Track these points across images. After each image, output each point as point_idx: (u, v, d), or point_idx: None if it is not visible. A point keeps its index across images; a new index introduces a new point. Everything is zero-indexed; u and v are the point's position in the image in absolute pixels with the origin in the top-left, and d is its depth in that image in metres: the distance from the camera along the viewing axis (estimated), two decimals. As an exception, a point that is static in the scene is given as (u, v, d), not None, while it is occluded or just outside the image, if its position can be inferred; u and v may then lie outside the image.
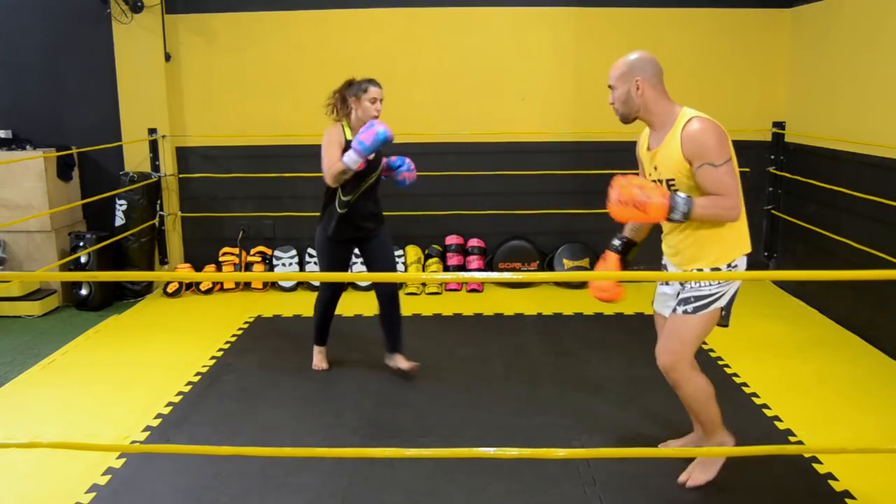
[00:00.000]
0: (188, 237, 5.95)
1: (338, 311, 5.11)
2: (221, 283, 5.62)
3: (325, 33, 5.63)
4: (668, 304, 2.86)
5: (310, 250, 5.81)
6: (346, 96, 3.56)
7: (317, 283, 5.60)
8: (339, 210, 3.63)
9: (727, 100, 5.56)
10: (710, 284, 2.58)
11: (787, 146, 5.57)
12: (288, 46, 5.64)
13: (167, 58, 5.59)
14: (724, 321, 2.68)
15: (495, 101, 5.69)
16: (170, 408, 3.59)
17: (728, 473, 2.92)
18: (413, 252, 5.73)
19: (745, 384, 3.78)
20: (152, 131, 5.66)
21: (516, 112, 5.69)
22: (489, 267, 5.65)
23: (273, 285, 5.69)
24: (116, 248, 5.50)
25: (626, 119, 2.75)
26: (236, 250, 5.80)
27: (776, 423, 3.36)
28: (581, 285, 5.60)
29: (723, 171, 2.48)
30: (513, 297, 5.31)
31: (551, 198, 5.80)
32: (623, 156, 5.94)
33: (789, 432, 3.28)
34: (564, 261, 5.70)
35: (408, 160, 3.87)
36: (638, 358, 4.17)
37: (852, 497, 2.76)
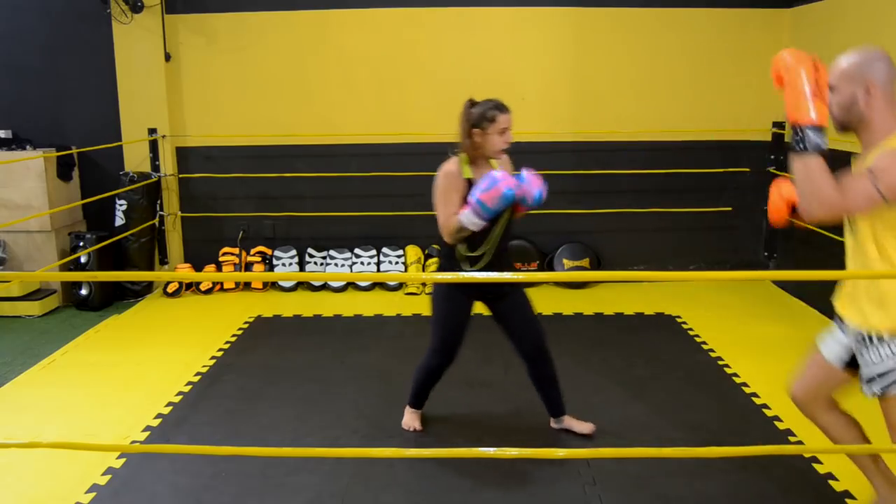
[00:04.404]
0: (188, 237, 5.95)
1: (337, 311, 5.15)
2: (221, 283, 5.62)
3: (325, 33, 5.63)
4: (835, 351, 2.37)
5: (310, 250, 5.81)
6: (467, 129, 2.88)
7: (317, 283, 5.61)
8: (466, 268, 2.96)
9: (727, 100, 5.56)
10: (890, 356, 2.10)
11: (788, 146, 5.56)
12: (288, 46, 5.64)
13: (167, 58, 5.60)
14: None
15: (495, 101, 5.68)
16: (170, 408, 3.59)
17: (728, 474, 2.92)
18: (413, 252, 5.73)
19: (745, 384, 3.78)
20: (152, 131, 5.66)
21: (516, 112, 5.65)
22: (489, 267, 5.65)
23: (273, 285, 5.69)
24: (116, 248, 5.50)
25: (844, 129, 2.23)
26: (236, 250, 5.80)
27: (776, 423, 3.36)
28: (581, 285, 5.61)
29: (865, 185, 2.01)
30: (513, 297, 5.31)
31: (551, 198, 5.76)
32: (623, 155, 5.98)
33: (789, 432, 3.27)
34: (564, 261, 5.70)
35: (524, 172, 2.91)
36: (638, 358, 4.18)
37: (852, 497, 2.76)
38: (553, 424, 3.29)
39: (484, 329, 4.76)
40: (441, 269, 3.14)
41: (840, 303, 2.31)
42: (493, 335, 4.61)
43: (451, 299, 3.02)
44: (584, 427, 3.23)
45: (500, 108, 2.88)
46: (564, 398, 3.24)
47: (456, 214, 2.80)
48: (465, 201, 2.82)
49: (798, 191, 2.10)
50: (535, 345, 3.11)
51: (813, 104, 2.07)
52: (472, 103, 2.90)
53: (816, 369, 2.45)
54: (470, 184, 2.85)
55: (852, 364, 2.30)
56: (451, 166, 2.89)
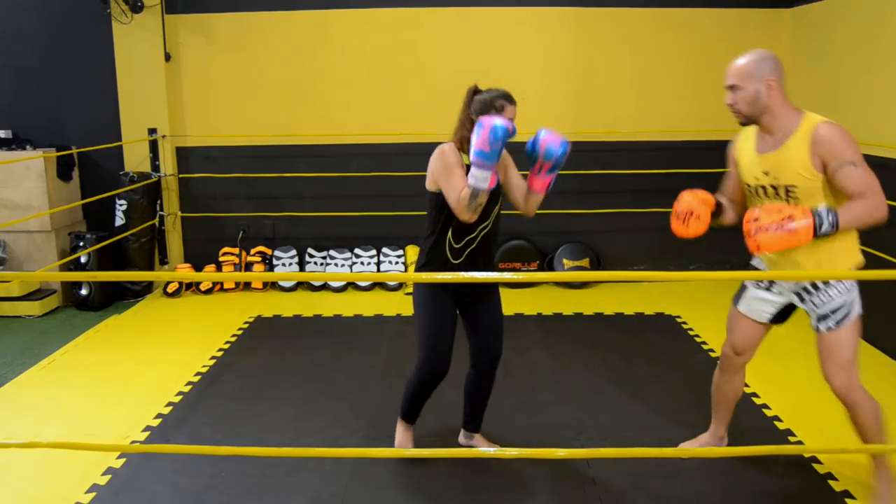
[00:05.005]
0: (188, 237, 5.95)
1: (337, 311, 5.15)
2: (221, 283, 5.62)
3: (325, 33, 5.63)
4: (762, 309, 2.75)
5: (310, 250, 5.81)
6: (472, 117, 2.70)
7: (317, 283, 5.62)
8: (452, 261, 2.78)
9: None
10: (840, 294, 2.53)
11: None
12: (288, 46, 5.64)
13: (167, 58, 5.60)
14: None
15: (495, 101, 5.68)
16: (170, 408, 3.59)
17: (728, 474, 2.92)
18: (413, 252, 5.73)
19: (745, 384, 3.78)
20: (152, 131, 5.66)
21: (516, 112, 5.69)
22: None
23: (273, 285, 5.69)
24: (116, 248, 5.50)
25: (750, 121, 2.55)
26: (236, 250, 5.81)
27: (776, 423, 3.36)
28: (581, 285, 5.61)
29: (865, 170, 2.38)
30: (513, 297, 5.31)
31: (551, 198, 5.76)
32: (622, 155, 5.98)
33: (789, 432, 3.28)
34: (564, 261, 5.70)
35: (542, 130, 2.71)
36: (638, 358, 4.18)
37: (852, 497, 2.76)
38: (463, 439, 3.14)
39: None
40: (421, 269, 2.87)
41: (777, 267, 2.64)
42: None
43: (434, 298, 2.80)
44: (491, 447, 3.11)
45: (509, 97, 2.71)
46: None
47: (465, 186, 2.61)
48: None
49: (863, 223, 2.43)
50: (493, 357, 2.93)
51: (803, 222, 2.36)
52: (476, 90, 2.75)
53: (746, 328, 2.80)
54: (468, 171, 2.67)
55: (776, 320, 2.74)
56: (445, 147, 2.74)
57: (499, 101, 2.67)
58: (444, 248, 2.76)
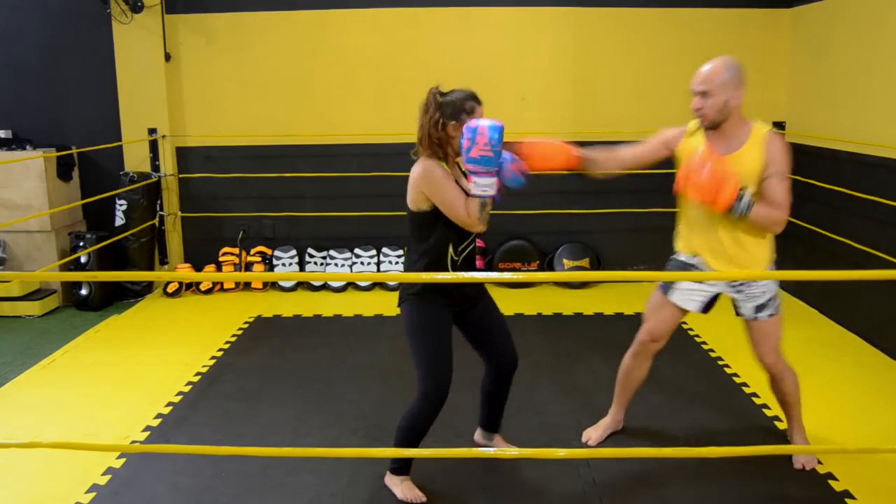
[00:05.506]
0: (188, 237, 5.95)
1: (336, 311, 5.15)
2: (221, 283, 5.62)
3: (325, 33, 5.63)
4: (693, 299, 2.91)
5: (310, 250, 5.81)
6: (440, 123, 2.55)
7: (317, 283, 5.62)
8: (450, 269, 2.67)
9: (727, 100, 5.56)
10: (770, 286, 2.80)
11: (787, 146, 5.56)
12: (288, 46, 5.64)
13: (167, 58, 5.60)
14: None
15: (495, 100, 5.61)
16: (170, 408, 3.59)
17: (728, 474, 2.92)
18: (413, 252, 5.73)
19: (745, 384, 3.78)
20: (152, 131, 5.66)
21: (516, 112, 5.69)
22: (489, 267, 5.66)
23: (273, 285, 5.69)
24: (116, 248, 5.49)
25: (713, 126, 2.70)
26: (236, 250, 5.81)
27: (776, 423, 3.36)
28: (581, 285, 5.61)
29: (789, 186, 2.64)
30: (513, 297, 5.31)
31: (551, 198, 5.80)
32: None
33: (789, 432, 3.28)
34: (564, 261, 5.70)
35: (505, 153, 2.57)
36: (638, 358, 4.17)
37: (852, 497, 2.76)
38: (481, 438, 3.10)
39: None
40: (410, 292, 2.69)
41: (716, 263, 2.79)
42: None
43: (435, 322, 2.65)
44: (509, 448, 3.08)
45: (477, 98, 2.59)
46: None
47: (468, 199, 2.51)
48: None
49: (761, 225, 2.67)
50: (511, 363, 2.86)
51: (730, 191, 2.55)
52: (440, 93, 2.58)
53: (668, 316, 2.97)
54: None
55: (704, 309, 2.94)
56: (428, 164, 2.56)
57: (468, 104, 2.56)
58: (445, 263, 2.63)
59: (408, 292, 2.69)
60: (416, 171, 2.58)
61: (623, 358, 3.15)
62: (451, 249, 2.63)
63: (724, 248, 2.75)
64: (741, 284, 2.80)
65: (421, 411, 2.66)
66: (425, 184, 2.54)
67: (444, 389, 2.65)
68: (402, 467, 2.82)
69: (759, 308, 2.81)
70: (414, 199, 2.59)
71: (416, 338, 2.67)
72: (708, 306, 2.94)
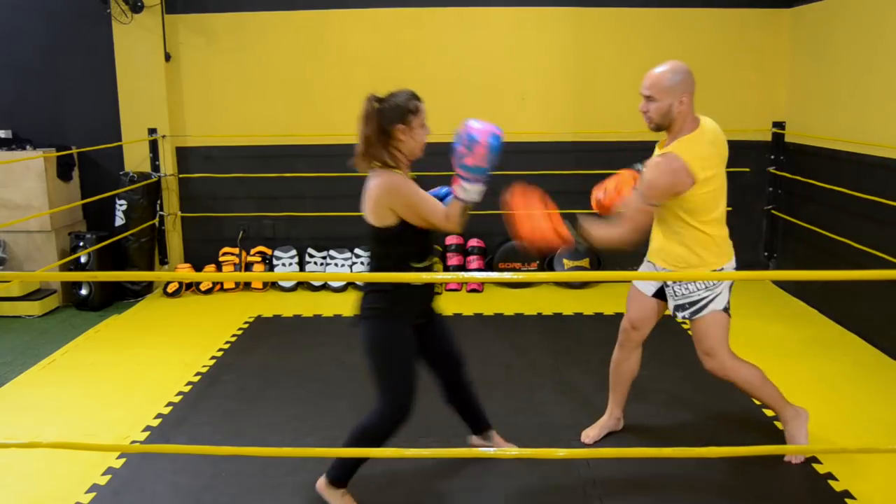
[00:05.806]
0: (188, 237, 5.95)
1: (337, 311, 5.15)
2: (221, 283, 5.62)
3: (325, 33, 5.63)
4: (648, 284, 2.99)
5: (310, 250, 5.81)
6: (386, 128, 2.48)
7: (317, 283, 5.61)
8: (417, 285, 2.60)
9: (727, 100, 5.56)
10: (699, 289, 2.77)
11: (787, 146, 5.57)
12: (288, 46, 5.64)
13: (167, 58, 5.60)
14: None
15: (495, 100, 5.69)
16: (170, 408, 3.59)
17: (728, 474, 2.92)
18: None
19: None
20: (152, 131, 5.66)
21: (516, 112, 5.69)
22: (489, 267, 5.65)
23: (273, 285, 5.69)
24: (116, 248, 5.50)
25: (659, 129, 2.80)
26: (236, 250, 5.81)
27: (776, 423, 3.36)
28: (581, 285, 5.61)
29: (639, 205, 2.75)
30: (513, 297, 5.31)
31: (551, 198, 5.79)
32: (623, 155, 5.96)
33: (789, 432, 3.27)
34: (564, 261, 5.70)
35: (445, 189, 2.67)
36: (638, 358, 4.17)
37: (852, 497, 2.76)
38: (478, 440, 3.05)
39: (484, 329, 4.77)
40: (373, 309, 2.60)
41: (656, 259, 2.91)
42: (494, 335, 4.63)
43: (403, 339, 2.57)
44: (508, 445, 3.06)
45: (417, 96, 2.54)
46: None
47: (445, 204, 2.48)
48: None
49: (609, 243, 2.80)
50: (461, 364, 2.86)
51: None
52: (378, 99, 2.50)
53: (639, 301, 3.01)
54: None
55: (658, 295, 2.96)
56: (395, 178, 2.46)
57: (412, 103, 2.50)
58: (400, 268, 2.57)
59: (370, 308, 2.58)
60: (376, 187, 2.47)
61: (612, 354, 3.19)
62: (414, 262, 2.57)
63: (660, 247, 2.90)
64: (674, 284, 2.85)
65: (380, 429, 2.56)
66: (394, 199, 2.44)
67: (409, 410, 2.56)
68: (342, 477, 2.67)
69: (678, 308, 2.85)
70: (378, 216, 2.48)
71: (382, 355, 2.56)
72: (661, 294, 2.96)
